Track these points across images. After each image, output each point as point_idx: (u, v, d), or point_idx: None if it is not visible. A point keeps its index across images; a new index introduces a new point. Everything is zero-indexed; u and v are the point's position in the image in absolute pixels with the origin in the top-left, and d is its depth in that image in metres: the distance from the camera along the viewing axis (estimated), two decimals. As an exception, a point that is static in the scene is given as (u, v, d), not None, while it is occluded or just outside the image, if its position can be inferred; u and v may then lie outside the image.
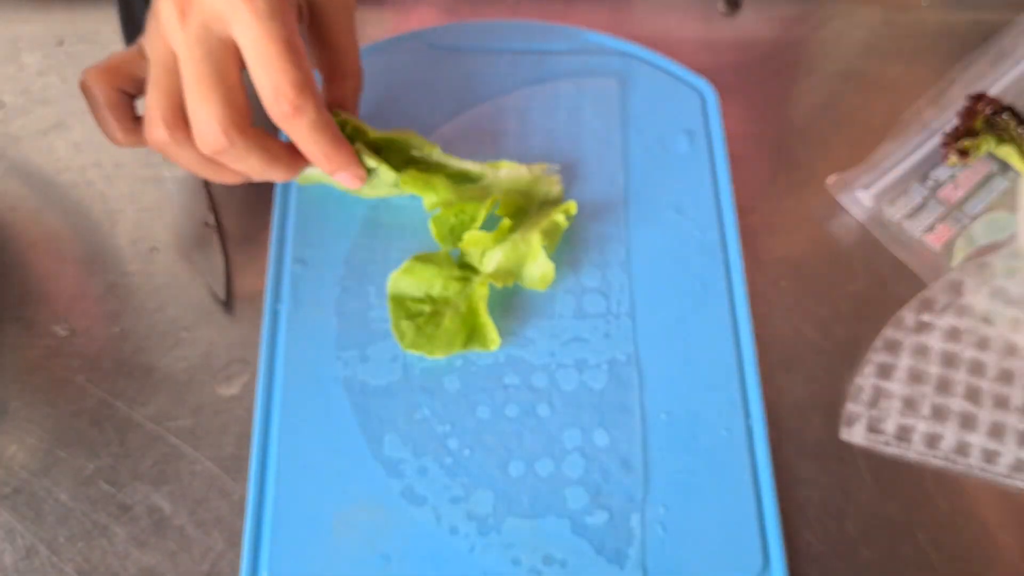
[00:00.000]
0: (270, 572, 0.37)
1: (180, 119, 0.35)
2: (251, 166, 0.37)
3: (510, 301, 0.43)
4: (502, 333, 0.41)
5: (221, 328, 0.43)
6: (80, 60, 0.51)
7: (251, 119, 0.35)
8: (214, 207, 0.46)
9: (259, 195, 0.46)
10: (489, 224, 0.42)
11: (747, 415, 0.41)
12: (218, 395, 0.41)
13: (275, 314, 0.42)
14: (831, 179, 0.48)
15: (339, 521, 0.38)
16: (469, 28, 0.51)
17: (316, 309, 0.42)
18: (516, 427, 0.40)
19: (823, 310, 0.45)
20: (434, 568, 0.37)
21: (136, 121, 0.38)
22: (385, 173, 0.41)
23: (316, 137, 0.37)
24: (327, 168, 0.39)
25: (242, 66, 0.35)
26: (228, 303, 0.44)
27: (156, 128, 0.35)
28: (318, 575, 0.37)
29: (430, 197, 0.42)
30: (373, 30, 0.52)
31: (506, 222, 0.42)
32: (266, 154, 0.36)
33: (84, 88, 0.37)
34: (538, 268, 0.42)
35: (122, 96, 0.37)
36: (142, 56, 0.37)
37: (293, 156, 0.38)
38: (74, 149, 0.48)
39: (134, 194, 0.46)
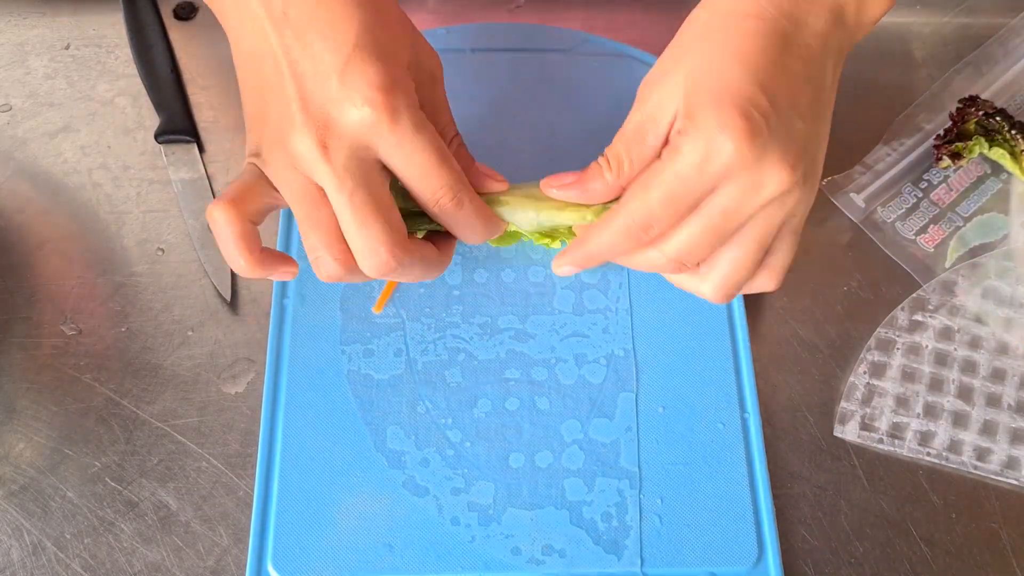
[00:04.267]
0: (275, 562, 0.37)
1: (347, 252, 0.35)
2: (413, 275, 0.36)
3: (511, 298, 0.44)
4: (503, 328, 0.42)
5: (226, 328, 0.43)
6: (86, 64, 0.51)
7: (406, 233, 0.35)
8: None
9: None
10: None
11: (742, 409, 0.42)
12: (224, 393, 0.42)
13: (282, 309, 0.43)
14: (826, 181, 0.48)
15: (343, 512, 0.38)
16: (469, 30, 0.52)
17: (321, 305, 0.43)
18: (516, 420, 0.41)
19: (817, 310, 0.45)
20: (436, 557, 0.38)
21: (261, 252, 0.36)
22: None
23: (474, 220, 0.37)
24: (479, 240, 0.38)
25: (388, 180, 0.35)
26: (233, 303, 0.44)
27: (329, 266, 0.34)
28: (322, 565, 0.37)
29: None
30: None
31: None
32: (425, 262, 0.36)
33: (212, 220, 0.35)
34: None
35: (249, 226, 0.35)
36: (261, 183, 0.36)
37: (443, 255, 0.38)
38: (81, 152, 0.48)
39: (140, 196, 0.47)
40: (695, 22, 0.35)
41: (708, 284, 0.36)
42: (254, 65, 0.35)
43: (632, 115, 0.36)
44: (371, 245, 0.34)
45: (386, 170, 0.35)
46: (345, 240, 0.34)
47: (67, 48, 0.52)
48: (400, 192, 0.37)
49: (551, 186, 0.38)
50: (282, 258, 0.36)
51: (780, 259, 0.36)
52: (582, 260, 0.38)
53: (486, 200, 0.39)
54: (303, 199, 0.34)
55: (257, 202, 0.35)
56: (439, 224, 0.38)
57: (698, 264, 0.36)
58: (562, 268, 0.39)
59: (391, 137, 0.33)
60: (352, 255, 0.35)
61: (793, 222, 0.36)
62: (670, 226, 0.34)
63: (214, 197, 0.47)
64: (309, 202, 0.34)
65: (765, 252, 0.35)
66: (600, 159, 0.37)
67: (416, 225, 0.38)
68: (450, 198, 0.35)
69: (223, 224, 0.34)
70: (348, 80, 0.32)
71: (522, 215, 0.39)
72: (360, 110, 0.32)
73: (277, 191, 0.36)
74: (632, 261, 0.37)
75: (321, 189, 0.34)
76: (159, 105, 0.49)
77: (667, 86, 0.34)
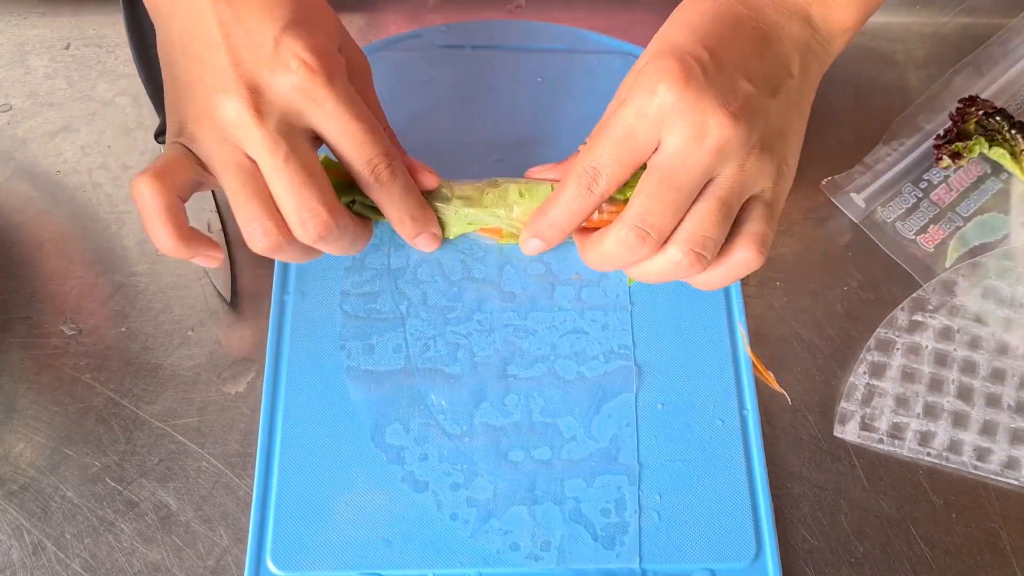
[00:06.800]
0: (274, 557, 0.38)
1: (281, 221, 0.35)
2: (343, 245, 0.37)
3: (511, 294, 0.44)
4: (502, 324, 0.43)
5: (226, 327, 0.43)
6: (86, 63, 0.51)
7: (337, 198, 0.36)
8: (219, 209, 0.46)
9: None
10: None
11: (741, 406, 0.42)
12: (224, 393, 0.42)
13: (282, 305, 0.43)
14: (825, 181, 0.48)
15: (342, 507, 0.39)
16: (469, 27, 0.52)
17: (321, 300, 0.43)
18: (516, 416, 0.41)
19: (817, 310, 0.45)
20: (435, 553, 0.38)
21: (188, 230, 0.35)
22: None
23: (406, 199, 0.38)
24: (412, 230, 0.40)
25: (317, 151, 0.36)
26: (233, 303, 0.44)
27: (264, 236, 0.34)
28: (321, 560, 0.38)
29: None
30: (374, 31, 0.53)
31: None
32: (357, 229, 0.37)
33: (137, 194, 0.34)
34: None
35: (176, 201, 0.35)
36: (187, 159, 0.35)
37: (369, 230, 0.40)
38: (81, 152, 0.48)
39: (140, 196, 0.47)
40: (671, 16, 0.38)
41: (675, 244, 0.36)
42: (183, 45, 0.35)
43: (611, 104, 0.39)
44: (310, 207, 0.34)
45: (315, 142, 0.36)
46: (279, 210, 0.34)
47: (67, 48, 0.52)
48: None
49: (535, 174, 0.42)
50: (208, 241, 0.36)
51: (755, 227, 0.37)
52: (543, 229, 0.39)
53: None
54: (235, 169, 0.34)
55: (183, 176, 0.35)
56: (367, 202, 0.39)
57: (664, 238, 0.36)
58: (528, 244, 0.40)
59: (326, 101, 0.34)
60: (285, 226, 0.35)
61: (765, 195, 0.37)
62: (616, 175, 0.36)
63: (214, 197, 0.47)
64: (241, 172, 0.34)
65: (730, 213, 0.36)
66: (581, 146, 0.39)
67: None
68: (386, 165, 0.36)
69: (148, 196, 0.34)
70: (283, 47, 0.33)
71: (453, 215, 0.41)
72: (295, 73, 0.33)
73: (204, 168, 0.35)
74: (602, 250, 0.37)
75: (252, 160, 0.34)
76: (159, 105, 0.49)
77: (634, 73, 0.37)
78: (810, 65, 0.38)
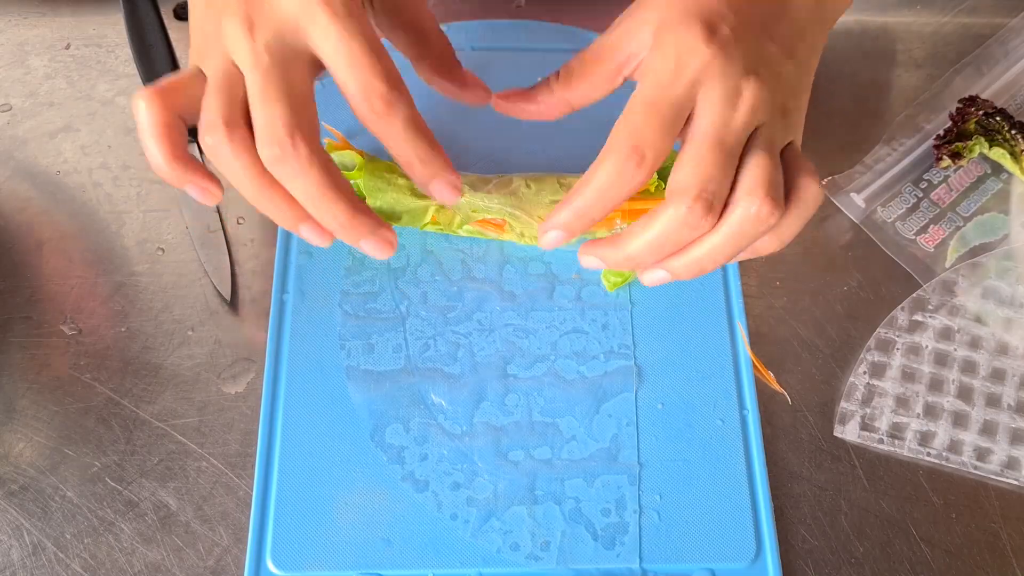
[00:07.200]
0: (274, 556, 0.38)
1: (240, 121, 0.32)
2: (307, 186, 0.32)
3: (511, 293, 0.44)
4: (503, 324, 0.43)
5: (226, 327, 0.43)
6: (86, 63, 0.51)
7: (318, 135, 0.33)
8: (219, 209, 0.46)
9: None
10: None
11: (741, 406, 0.42)
12: (223, 393, 0.42)
13: (282, 304, 0.43)
14: (826, 181, 0.48)
15: (342, 507, 0.39)
16: (470, 28, 0.52)
17: (321, 300, 0.43)
18: (516, 415, 0.41)
19: (817, 310, 0.45)
20: (435, 552, 0.38)
21: (185, 152, 0.34)
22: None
23: (411, 136, 0.34)
24: (422, 174, 0.35)
25: (314, 78, 0.34)
26: (233, 303, 0.44)
27: (213, 128, 0.32)
28: (321, 560, 0.38)
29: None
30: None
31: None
32: (327, 177, 0.32)
33: (135, 109, 0.33)
34: None
35: (176, 120, 0.33)
36: (198, 79, 0.34)
37: (356, 205, 0.34)
38: (81, 151, 0.48)
39: (140, 195, 0.47)
40: None
41: (744, 198, 0.32)
42: None
43: (595, 41, 0.36)
44: (272, 118, 0.32)
45: (315, 68, 0.33)
46: (244, 115, 0.33)
47: (67, 48, 0.52)
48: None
49: (499, 97, 0.39)
50: (205, 172, 0.34)
51: (801, 163, 0.34)
52: (570, 219, 0.35)
53: None
54: (219, 73, 0.33)
55: (189, 95, 0.33)
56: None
57: (723, 205, 0.33)
58: (546, 236, 0.36)
59: (322, 18, 0.32)
60: (240, 125, 0.32)
61: (795, 144, 0.36)
62: (662, 147, 0.33)
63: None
64: (222, 75, 0.33)
65: (778, 161, 0.34)
66: (551, 74, 0.37)
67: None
68: (383, 92, 0.32)
69: (144, 111, 0.33)
70: None
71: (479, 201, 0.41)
72: None
73: None
74: (650, 236, 0.34)
75: (239, 68, 0.33)
76: (159, 105, 0.49)
77: (637, 18, 0.34)
78: (817, 32, 0.38)
